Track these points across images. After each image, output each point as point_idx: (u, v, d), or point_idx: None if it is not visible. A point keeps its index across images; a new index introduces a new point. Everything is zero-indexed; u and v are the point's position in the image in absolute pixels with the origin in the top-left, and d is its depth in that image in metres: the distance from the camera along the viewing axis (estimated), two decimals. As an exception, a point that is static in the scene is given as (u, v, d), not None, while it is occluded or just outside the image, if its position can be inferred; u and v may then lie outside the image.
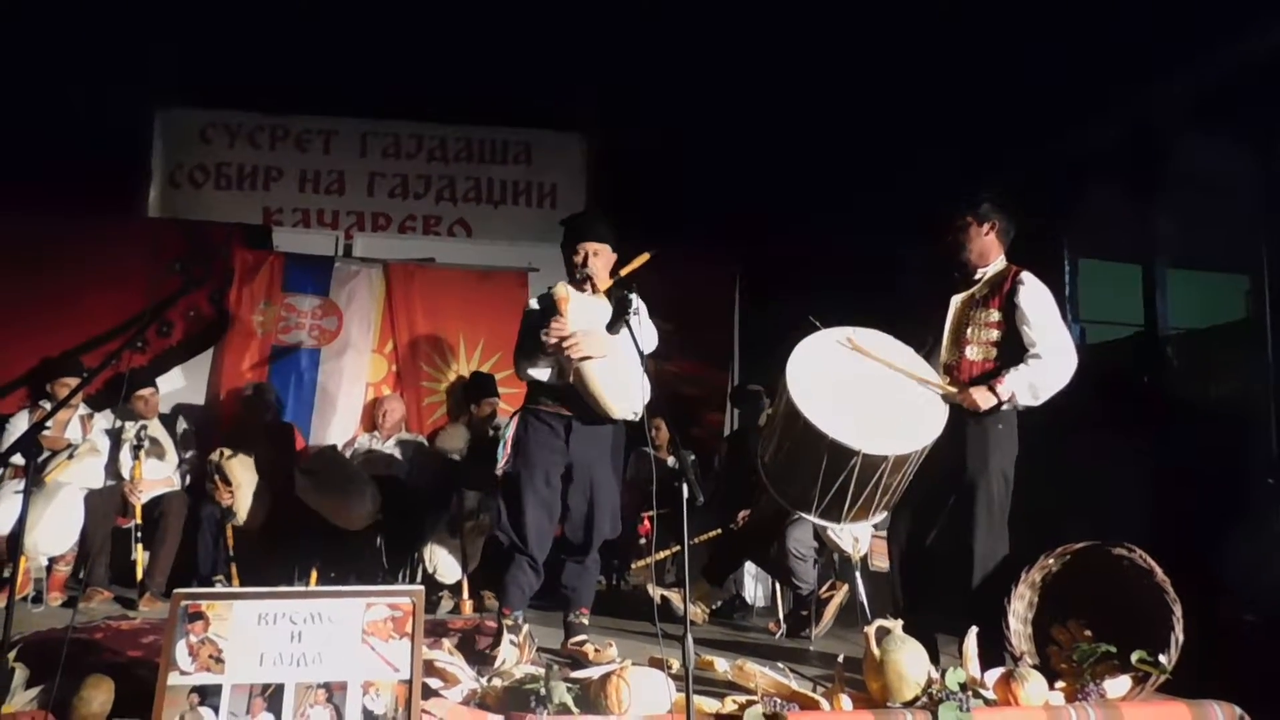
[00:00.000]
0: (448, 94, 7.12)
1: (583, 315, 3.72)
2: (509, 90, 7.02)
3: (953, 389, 3.53)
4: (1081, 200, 5.61)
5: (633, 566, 5.74)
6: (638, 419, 3.83)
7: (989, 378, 3.52)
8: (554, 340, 3.65)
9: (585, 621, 3.97)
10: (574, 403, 3.79)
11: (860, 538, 4.70)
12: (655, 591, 4.77)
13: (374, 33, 6.47)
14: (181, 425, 5.88)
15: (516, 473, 3.81)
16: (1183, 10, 4.53)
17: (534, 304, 3.96)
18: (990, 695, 2.86)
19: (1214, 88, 4.87)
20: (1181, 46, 4.75)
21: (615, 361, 3.68)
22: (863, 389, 3.51)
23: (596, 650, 3.68)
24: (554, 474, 3.82)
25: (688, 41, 6.27)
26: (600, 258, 3.89)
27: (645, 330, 3.78)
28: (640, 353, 3.29)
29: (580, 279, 3.85)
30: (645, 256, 3.83)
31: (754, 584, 5.88)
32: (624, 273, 3.84)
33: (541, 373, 3.80)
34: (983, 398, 3.47)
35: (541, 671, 2.81)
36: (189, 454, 5.73)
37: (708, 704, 2.77)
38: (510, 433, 3.87)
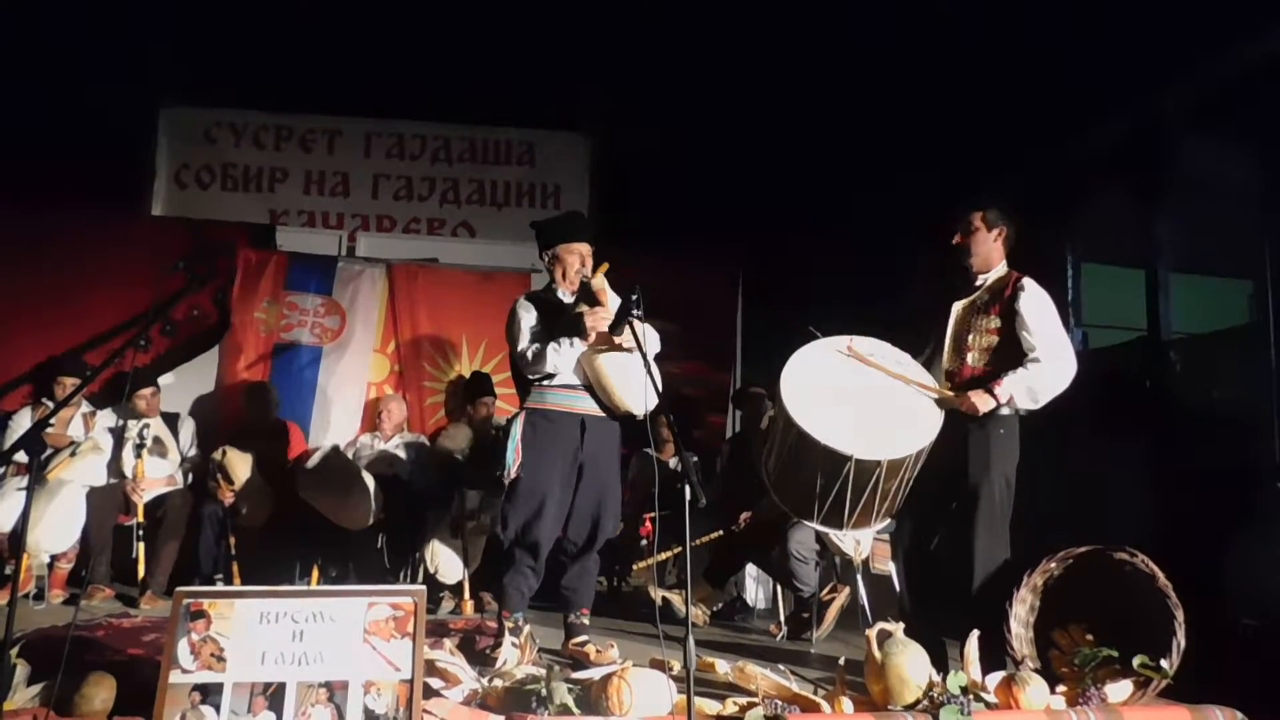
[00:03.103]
0: (451, 94, 7.12)
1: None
2: (512, 91, 7.03)
3: (950, 393, 3.54)
4: (1085, 204, 5.61)
5: (634, 568, 5.74)
6: (643, 417, 3.85)
7: (988, 381, 3.52)
8: (604, 327, 3.66)
9: (586, 622, 3.97)
10: (588, 400, 3.80)
11: (862, 541, 4.70)
12: (656, 593, 4.77)
13: (376, 32, 6.48)
14: (184, 424, 5.88)
15: (528, 475, 3.76)
16: (1185, 14, 4.53)
17: (523, 301, 3.96)
18: (991, 699, 2.86)
19: (1217, 91, 4.87)
20: (1185, 50, 4.75)
21: (631, 359, 3.70)
22: (858, 396, 3.53)
23: (598, 651, 3.69)
24: (569, 474, 3.80)
25: (691, 43, 6.28)
26: (590, 258, 3.92)
27: (649, 334, 3.79)
28: (644, 352, 3.29)
29: (581, 279, 3.85)
30: (605, 266, 3.87)
31: (755, 586, 5.87)
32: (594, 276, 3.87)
33: (565, 364, 3.76)
34: (981, 400, 3.47)
35: (543, 672, 2.81)
36: (192, 452, 5.73)
37: (709, 706, 2.77)
38: (518, 434, 3.82)
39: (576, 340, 3.73)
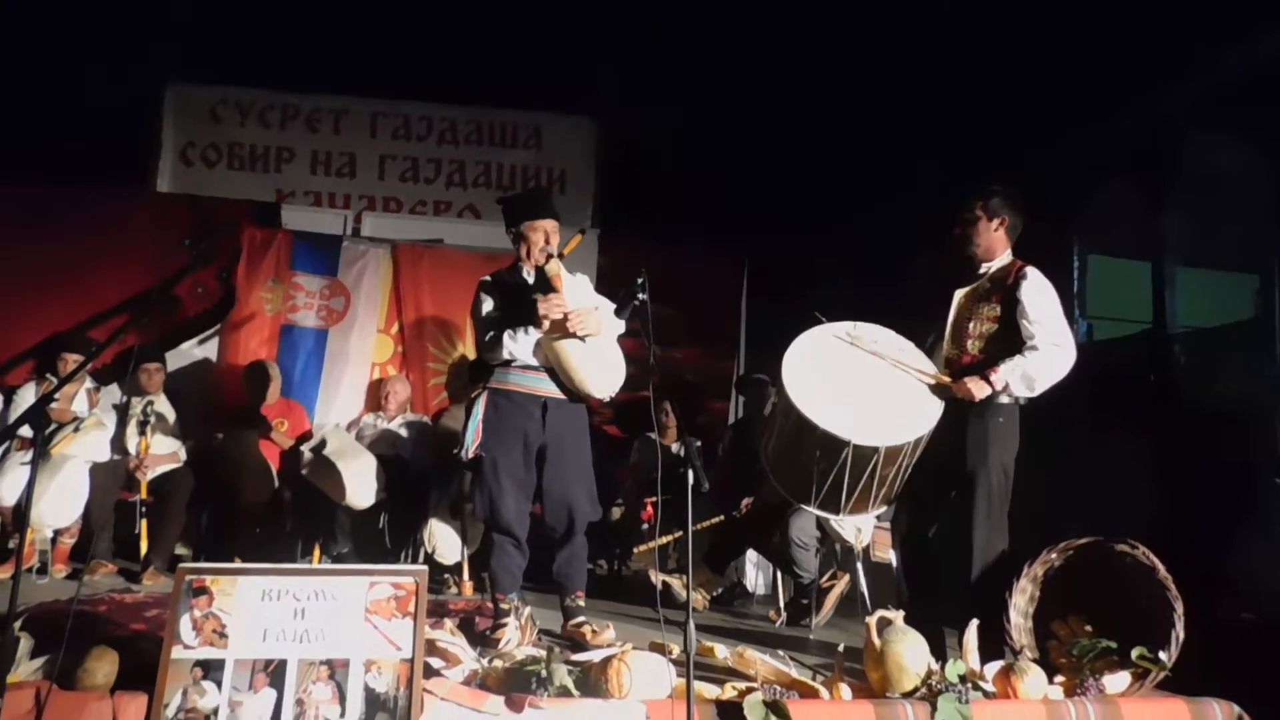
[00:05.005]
0: (458, 75, 7.10)
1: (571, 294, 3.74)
2: (520, 73, 7.00)
3: (947, 379, 3.54)
4: (1092, 197, 5.59)
5: (635, 552, 5.75)
6: (609, 400, 3.85)
7: (986, 369, 3.52)
8: (557, 315, 3.63)
9: (582, 604, 3.96)
10: (549, 382, 3.79)
11: (863, 528, 4.71)
12: (657, 577, 4.78)
13: (384, 12, 6.46)
14: (188, 402, 5.88)
15: (491, 455, 3.76)
16: (1194, 7, 4.51)
17: (485, 283, 3.92)
18: (989, 688, 2.87)
19: (1225, 85, 4.85)
20: (1193, 43, 4.72)
21: (596, 341, 3.69)
22: (859, 382, 3.53)
23: (594, 631, 3.70)
24: (529, 455, 3.79)
25: (700, 29, 6.25)
26: (556, 235, 3.87)
27: (605, 307, 3.79)
28: (649, 338, 3.28)
29: (545, 257, 3.78)
30: (579, 238, 3.84)
31: (755, 572, 5.89)
32: (565, 252, 3.82)
33: (521, 351, 3.76)
34: (977, 387, 3.46)
35: (543, 653, 2.82)
36: (196, 430, 5.73)
37: (708, 690, 2.78)
38: (480, 414, 3.81)
39: (531, 328, 3.71)
